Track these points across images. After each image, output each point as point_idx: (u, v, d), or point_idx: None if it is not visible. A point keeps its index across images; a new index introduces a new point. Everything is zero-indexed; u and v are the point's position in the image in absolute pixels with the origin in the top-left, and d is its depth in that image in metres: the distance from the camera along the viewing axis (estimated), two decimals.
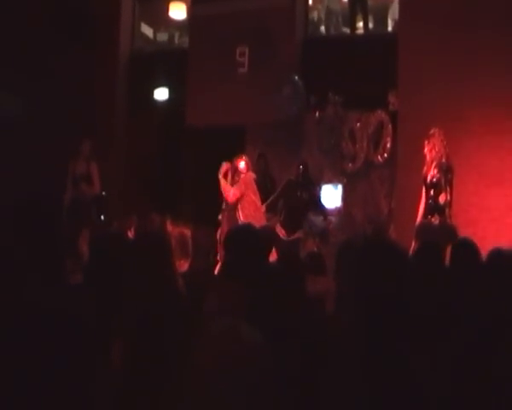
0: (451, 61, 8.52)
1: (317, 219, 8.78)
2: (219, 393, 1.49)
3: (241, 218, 7.87)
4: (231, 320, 1.61)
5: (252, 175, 8.15)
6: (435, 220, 7.19)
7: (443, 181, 7.20)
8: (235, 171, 8.07)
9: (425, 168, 7.36)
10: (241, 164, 8.06)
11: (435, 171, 7.23)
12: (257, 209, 8.06)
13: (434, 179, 7.24)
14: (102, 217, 8.93)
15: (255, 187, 8.12)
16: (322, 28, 10.99)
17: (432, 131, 7.31)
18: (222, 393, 1.49)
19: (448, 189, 7.23)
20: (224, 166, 8.09)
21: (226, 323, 1.60)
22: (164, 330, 2.23)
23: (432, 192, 7.27)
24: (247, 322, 1.65)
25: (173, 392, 1.85)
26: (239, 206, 7.96)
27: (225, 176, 8.11)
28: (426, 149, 7.29)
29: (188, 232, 8.16)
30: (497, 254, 3.55)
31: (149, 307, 2.39)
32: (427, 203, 7.32)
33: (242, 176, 8.00)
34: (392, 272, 2.27)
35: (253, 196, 8.06)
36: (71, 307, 2.21)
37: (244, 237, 3.47)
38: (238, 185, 7.98)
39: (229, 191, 7.96)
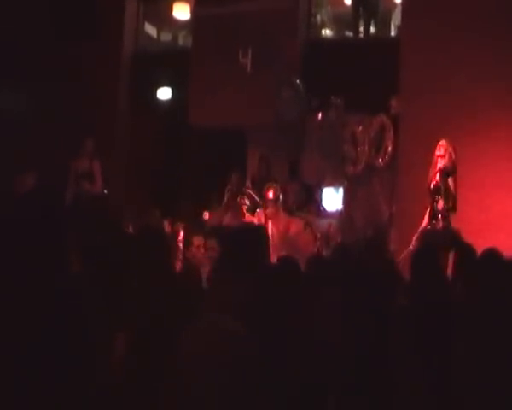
0: (454, 65, 8.53)
1: (321, 222, 8.77)
2: (207, 379, 1.51)
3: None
4: (218, 315, 1.63)
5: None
6: (437, 225, 7.29)
7: (442, 187, 7.30)
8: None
9: (430, 174, 7.48)
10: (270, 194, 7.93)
11: (437, 177, 7.37)
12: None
13: (432, 185, 7.38)
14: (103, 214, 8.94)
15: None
16: (325, 31, 11.00)
17: (444, 141, 7.45)
18: (209, 379, 1.50)
19: (447, 195, 7.28)
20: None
21: (213, 316, 1.62)
22: (165, 324, 2.24)
23: (434, 198, 7.39)
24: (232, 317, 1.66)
25: (167, 382, 1.87)
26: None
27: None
28: (443, 155, 7.40)
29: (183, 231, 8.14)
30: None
31: (151, 300, 2.40)
32: (430, 209, 7.43)
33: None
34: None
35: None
36: (72, 300, 2.23)
37: (248, 233, 3.49)
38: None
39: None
